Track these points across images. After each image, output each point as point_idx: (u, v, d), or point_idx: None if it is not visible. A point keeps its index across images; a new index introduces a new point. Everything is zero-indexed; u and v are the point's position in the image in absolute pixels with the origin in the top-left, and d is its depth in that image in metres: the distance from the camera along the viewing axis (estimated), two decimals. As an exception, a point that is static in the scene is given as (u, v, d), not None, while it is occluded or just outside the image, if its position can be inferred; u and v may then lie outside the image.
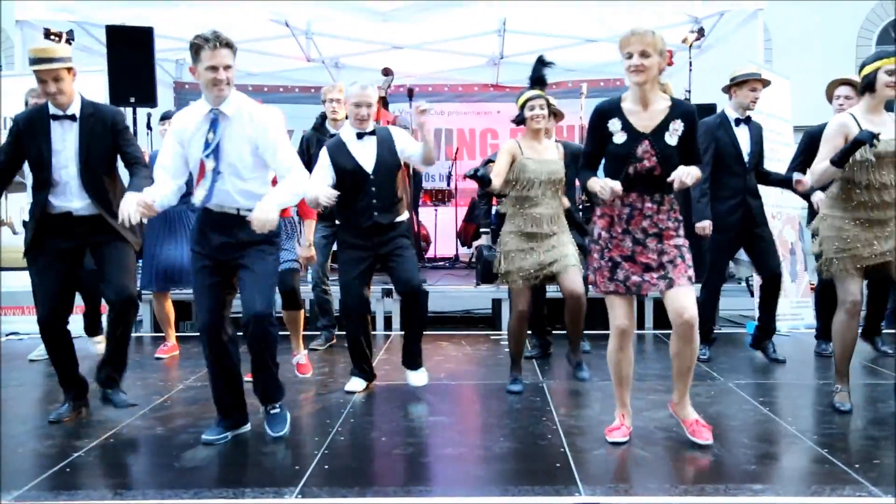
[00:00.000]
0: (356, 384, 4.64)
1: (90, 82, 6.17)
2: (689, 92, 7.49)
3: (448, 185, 9.46)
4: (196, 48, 3.53)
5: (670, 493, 3.03)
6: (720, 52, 8.28)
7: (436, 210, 9.48)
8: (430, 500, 3.01)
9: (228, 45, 3.54)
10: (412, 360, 4.68)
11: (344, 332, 5.83)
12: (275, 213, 3.53)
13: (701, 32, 7.58)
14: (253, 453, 3.59)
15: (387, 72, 8.35)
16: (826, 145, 4.02)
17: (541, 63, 4.63)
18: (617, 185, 3.41)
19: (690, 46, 7.42)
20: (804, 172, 5.11)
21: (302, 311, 5.03)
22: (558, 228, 4.57)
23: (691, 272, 3.52)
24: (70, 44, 6.82)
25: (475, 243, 7.77)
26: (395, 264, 4.51)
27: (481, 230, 7.70)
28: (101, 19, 7.41)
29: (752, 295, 6.83)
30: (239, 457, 3.56)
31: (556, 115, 5.07)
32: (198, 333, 3.79)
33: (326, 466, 3.37)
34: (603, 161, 3.65)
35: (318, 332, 6.03)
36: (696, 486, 3.09)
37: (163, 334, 5.91)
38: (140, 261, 6.36)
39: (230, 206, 3.67)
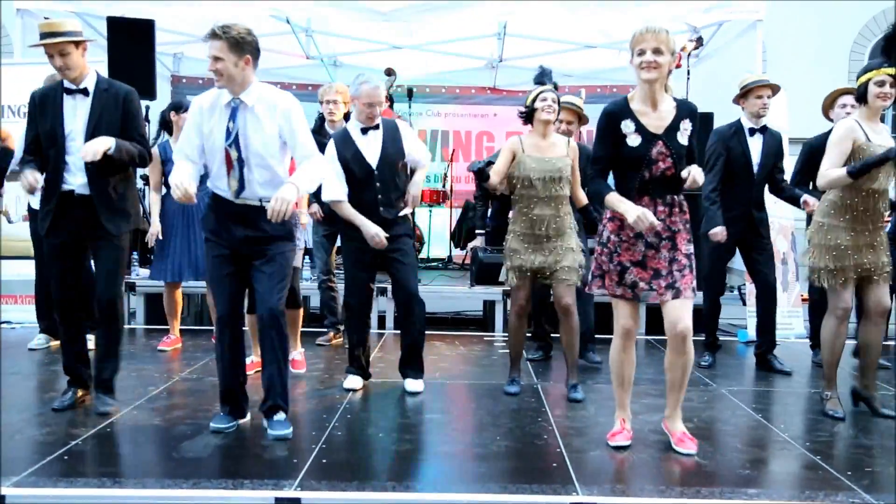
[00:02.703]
0: (354, 381, 4.65)
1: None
2: (686, 96, 7.55)
3: (443, 186, 9.48)
4: None
5: (666, 495, 3.06)
6: (718, 62, 8.34)
7: (430, 211, 9.51)
8: (428, 496, 3.03)
9: (217, 36, 3.56)
10: (411, 368, 4.69)
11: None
12: (292, 200, 3.57)
13: (700, 42, 7.64)
14: (251, 446, 3.60)
15: (389, 72, 8.36)
16: (834, 149, 4.06)
17: (542, 72, 4.59)
18: (655, 222, 3.37)
19: (689, 55, 7.48)
20: (807, 185, 5.17)
21: (301, 310, 5.03)
22: (560, 231, 4.45)
23: (695, 283, 3.54)
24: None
25: (470, 245, 7.79)
26: (395, 270, 4.54)
27: (477, 232, 7.72)
28: (103, 11, 7.40)
29: (744, 304, 6.90)
30: (237, 449, 3.57)
31: (580, 118, 5.05)
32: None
33: (324, 461, 3.39)
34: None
35: (326, 329, 6.02)
36: (692, 488, 3.12)
37: (160, 327, 5.90)
38: (132, 253, 6.36)
39: (253, 196, 3.69)
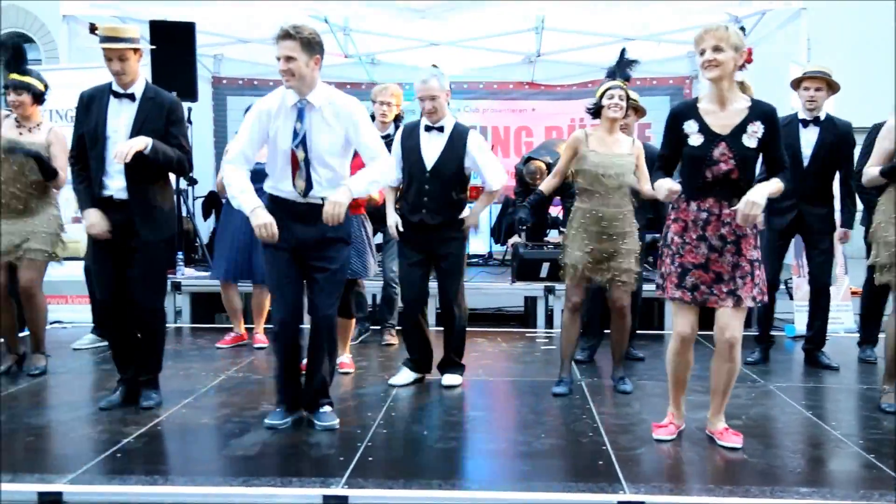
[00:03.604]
0: (404, 376, 4.65)
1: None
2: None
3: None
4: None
5: (715, 494, 3.03)
6: (761, 52, 8.17)
7: (470, 207, 9.48)
8: (474, 495, 3.03)
9: (290, 36, 3.57)
10: (449, 366, 4.72)
11: (380, 325, 5.88)
12: (346, 203, 3.60)
13: (741, 31, 7.50)
14: (297, 444, 3.63)
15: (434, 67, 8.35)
16: (877, 146, 4.00)
17: (623, 57, 4.53)
18: (674, 185, 3.36)
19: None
20: None
21: (353, 320, 5.03)
22: (621, 230, 4.38)
23: (756, 291, 3.45)
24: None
25: (510, 241, 7.76)
26: (439, 274, 4.57)
27: (517, 228, 7.69)
28: (145, 15, 7.50)
29: (791, 298, 6.78)
30: (284, 447, 3.61)
31: (636, 110, 4.88)
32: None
33: (370, 458, 3.41)
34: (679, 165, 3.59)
35: (358, 328, 6.03)
36: (741, 487, 3.08)
37: (206, 325, 5.97)
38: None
39: (316, 196, 3.70)
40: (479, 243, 9.49)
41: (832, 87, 5.07)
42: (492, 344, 5.99)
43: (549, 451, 3.56)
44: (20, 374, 4.84)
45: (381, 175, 3.82)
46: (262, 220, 3.61)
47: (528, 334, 6.46)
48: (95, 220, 3.96)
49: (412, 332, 4.66)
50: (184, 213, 7.41)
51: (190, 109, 7.58)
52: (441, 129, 4.46)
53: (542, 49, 9.32)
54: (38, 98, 4.76)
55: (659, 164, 3.59)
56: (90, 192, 4.01)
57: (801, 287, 6.31)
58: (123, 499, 3.00)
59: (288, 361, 3.84)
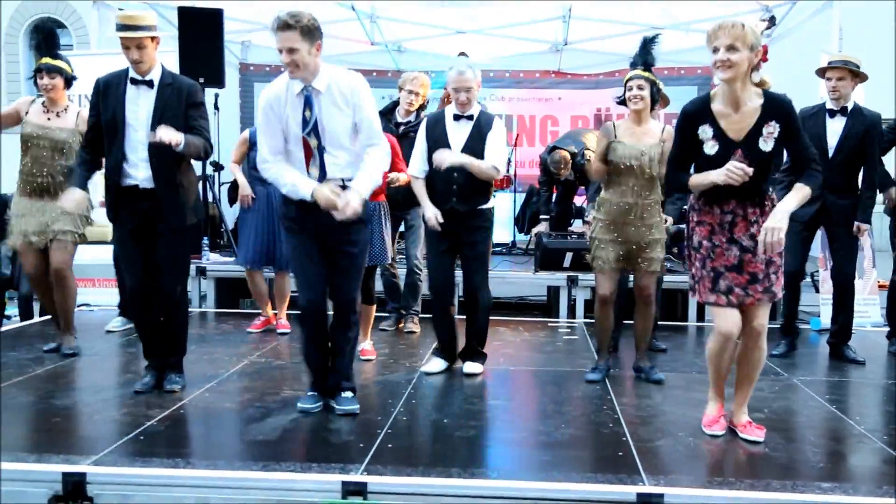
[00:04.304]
0: (435, 364, 4.66)
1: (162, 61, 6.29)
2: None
3: (507, 170, 9.42)
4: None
5: (736, 487, 3.00)
6: (792, 42, 8.07)
7: (494, 196, 9.45)
8: (493, 483, 3.03)
9: (290, 26, 3.48)
10: (471, 354, 4.73)
11: (403, 313, 5.90)
12: (359, 206, 3.56)
13: (772, 21, 7.41)
14: (317, 430, 3.66)
15: (462, 56, 8.33)
16: None
17: (646, 43, 4.46)
18: (747, 168, 3.20)
19: (762, 33, 7.25)
20: None
21: (374, 306, 5.05)
22: (649, 222, 4.36)
23: (783, 280, 3.44)
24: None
25: (534, 230, 7.74)
26: (464, 261, 4.56)
27: (541, 217, 7.67)
28: (174, 2, 7.55)
29: (817, 290, 6.70)
30: (304, 433, 3.64)
31: (662, 100, 4.70)
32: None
33: (390, 445, 3.42)
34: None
35: (388, 314, 6.06)
36: (762, 481, 3.05)
37: (230, 311, 6.01)
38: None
39: (335, 179, 3.68)
40: (502, 232, 9.47)
41: (858, 77, 4.98)
42: (514, 333, 5.99)
43: (570, 441, 3.55)
44: (47, 357, 4.91)
45: (379, 167, 3.76)
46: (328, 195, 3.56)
47: (550, 324, 6.45)
48: (80, 198, 3.99)
49: (442, 321, 4.67)
50: (209, 199, 7.47)
51: (217, 96, 7.66)
52: (470, 118, 4.46)
53: (569, 38, 9.27)
54: (69, 83, 4.82)
55: (673, 165, 3.47)
56: (87, 177, 4.06)
57: (827, 280, 6.23)
58: (145, 481, 3.04)
59: (317, 343, 3.86)
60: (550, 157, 7.51)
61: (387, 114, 5.79)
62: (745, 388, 3.58)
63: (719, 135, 3.32)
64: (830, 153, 4.99)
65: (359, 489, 2.98)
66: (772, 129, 3.29)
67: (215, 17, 7.18)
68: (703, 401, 3.98)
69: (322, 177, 3.68)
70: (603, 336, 4.62)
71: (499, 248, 9.04)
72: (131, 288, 4.13)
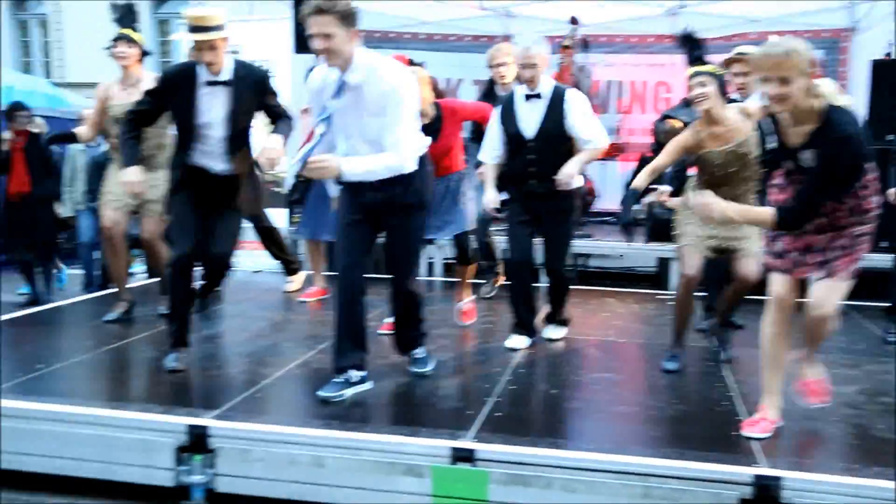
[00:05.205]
0: (516, 341, 4.52)
1: (277, 30, 6.42)
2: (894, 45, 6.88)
3: (617, 138, 9.22)
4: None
5: (861, 474, 2.86)
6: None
7: (604, 164, 9.28)
8: (603, 457, 2.98)
9: (325, 10, 3.23)
10: (553, 320, 4.71)
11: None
12: (321, 169, 3.37)
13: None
14: (424, 394, 3.71)
15: (574, 21, 8.16)
16: None
17: (688, 38, 4.20)
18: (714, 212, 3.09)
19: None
20: None
21: (473, 266, 5.04)
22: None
23: (854, 264, 3.13)
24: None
25: (645, 200, 7.54)
26: (547, 241, 4.47)
27: (651, 186, 7.46)
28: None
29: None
30: (411, 397, 3.70)
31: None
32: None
33: (498, 414, 3.43)
34: None
35: (485, 281, 6.05)
36: (891, 469, 2.90)
37: (330, 273, 6.09)
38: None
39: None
40: (611, 201, 9.30)
41: None
42: (622, 305, 5.88)
43: (681, 417, 3.48)
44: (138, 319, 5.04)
45: (382, 165, 3.44)
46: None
47: (659, 296, 6.29)
48: (136, 177, 3.94)
49: (518, 296, 4.52)
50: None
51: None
52: (539, 96, 4.31)
53: (686, 0, 8.92)
54: (142, 56, 4.93)
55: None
56: (137, 150, 4.04)
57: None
58: (263, 437, 3.15)
59: (350, 309, 3.59)
60: (661, 126, 7.27)
61: (487, 95, 5.73)
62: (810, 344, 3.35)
63: (779, 135, 3.11)
64: None
65: (467, 456, 3.00)
66: (814, 156, 3.00)
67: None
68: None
69: (303, 159, 3.37)
70: (682, 320, 4.25)
71: (608, 219, 8.90)
72: (181, 254, 3.92)
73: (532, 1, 9.32)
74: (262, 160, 3.66)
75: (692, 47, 4.16)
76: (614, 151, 8.91)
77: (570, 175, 4.22)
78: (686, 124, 6.91)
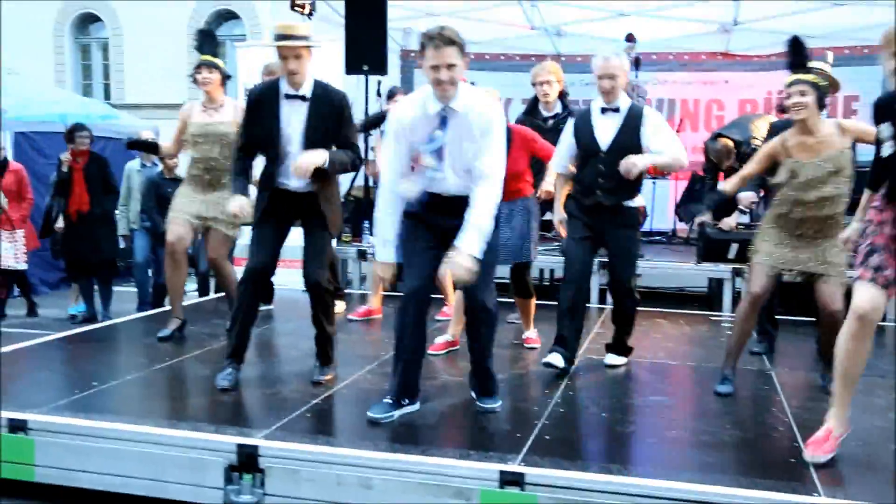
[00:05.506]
0: (555, 358, 4.33)
1: (328, 51, 6.50)
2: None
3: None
4: (422, 45, 3.42)
5: (924, 506, 2.77)
6: None
7: (654, 183, 9.18)
8: (655, 483, 2.93)
9: (453, 41, 3.34)
10: (616, 347, 4.61)
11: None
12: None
13: None
14: (474, 417, 3.68)
15: (630, 38, 8.13)
16: None
17: (796, 43, 4.00)
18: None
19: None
20: None
21: (532, 299, 4.98)
22: (827, 233, 3.93)
23: None
24: (311, 16, 7.24)
25: (697, 219, 7.43)
26: (612, 260, 4.40)
27: (705, 205, 7.35)
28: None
29: None
30: (459, 420, 3.69)
31: (832, 86, 4.17)
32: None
33: (547, 437, 3.39)
34: None
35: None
36: (956, 500, 2.80)
37: (391, 294, 6.11)
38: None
39: (457, 192, 3.56)
40: (662, 220, 9.19)
41: None
42: (674, 326, 5.79)
43: (735, 443, 3.40)
44: (222, 333, 5.17)
45: (490, 213, 3.45)
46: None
47: (712, 318, 6.19)
48: (244, 203, 4.00)
49: (572, 312, 4.37)
50: (370, 183, 7.67)
51: (379, 83, 7.85)
52: (616, 110, 4.27)
53: (740, 17, 8.83)
54: (224, 80, 5.04)
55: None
56: (246, 184, 4.12)
57: None
58: (312, 457, 3.15)
59: (413, 337, 3.64)
60: (713, 144, 7.18)
61: (530, 113, 5.71)
62: (847, 386, 3.17)
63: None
64: None
65: (516, 479, 2.97)
66: None
67: (379, 4, 7.35)
68: (884, 407, 3.72)
69: (423, 195, 3.55)
70: (740, 341, 4.15)
71: (658, 238, 8.79)
72: (253, 266, 3.99)
73: (582, 20, 9.31)
74: (295, 163, 3.79)
75: (796, 52, 3.96)
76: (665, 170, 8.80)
77: (633, 164, 4.09)
78: (737, 143, 6.87)
